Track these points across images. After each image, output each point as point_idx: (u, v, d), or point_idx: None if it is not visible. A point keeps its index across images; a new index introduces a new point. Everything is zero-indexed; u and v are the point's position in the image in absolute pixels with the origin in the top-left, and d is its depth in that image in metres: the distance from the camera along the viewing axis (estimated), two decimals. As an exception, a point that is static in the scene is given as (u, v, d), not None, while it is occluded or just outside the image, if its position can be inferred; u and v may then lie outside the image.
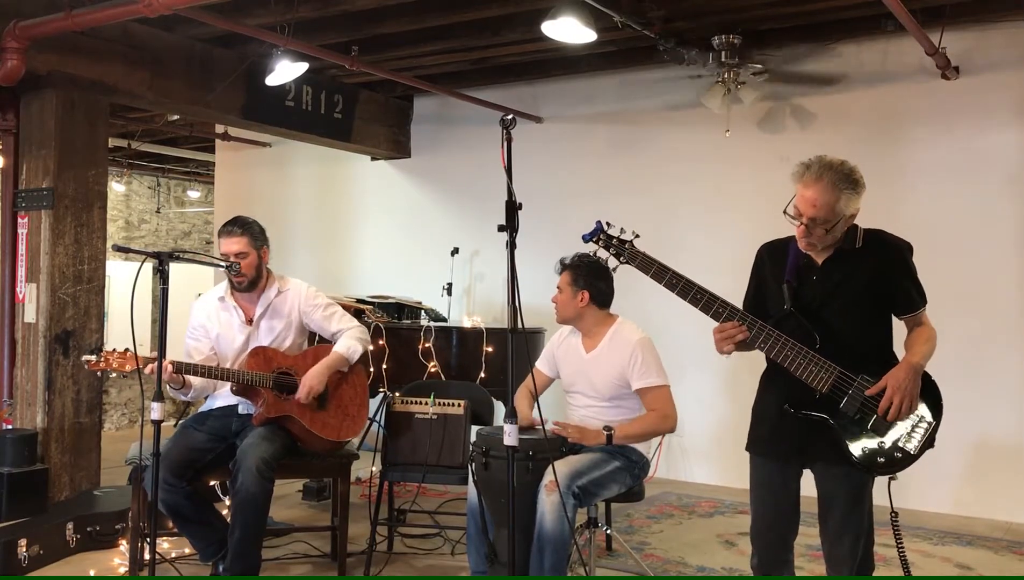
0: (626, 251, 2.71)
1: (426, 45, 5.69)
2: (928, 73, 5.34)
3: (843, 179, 2.55)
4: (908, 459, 2.54)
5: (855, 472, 2.57)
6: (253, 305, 3.84)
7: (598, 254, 2.77)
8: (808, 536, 2.75)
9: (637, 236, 2.75)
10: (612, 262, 2.75)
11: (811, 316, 2.63)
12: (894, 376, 2.53)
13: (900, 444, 2.53)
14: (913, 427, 2.54)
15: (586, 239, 2.75)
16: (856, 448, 2.55)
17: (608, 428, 3.53)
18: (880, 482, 2.64)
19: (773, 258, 2.79)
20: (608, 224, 2.75)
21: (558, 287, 3.76)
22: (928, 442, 2.55)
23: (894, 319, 2.70)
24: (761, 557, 2.78)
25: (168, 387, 3.56)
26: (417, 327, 5.30)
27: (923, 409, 2.55)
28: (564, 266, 3.77)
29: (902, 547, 2.69)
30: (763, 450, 2.76)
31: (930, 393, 2.58)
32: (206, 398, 3.86)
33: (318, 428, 3.73)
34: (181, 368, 3.47)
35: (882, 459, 2.54)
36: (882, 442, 2.54)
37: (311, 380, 3.70)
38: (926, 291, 2.70)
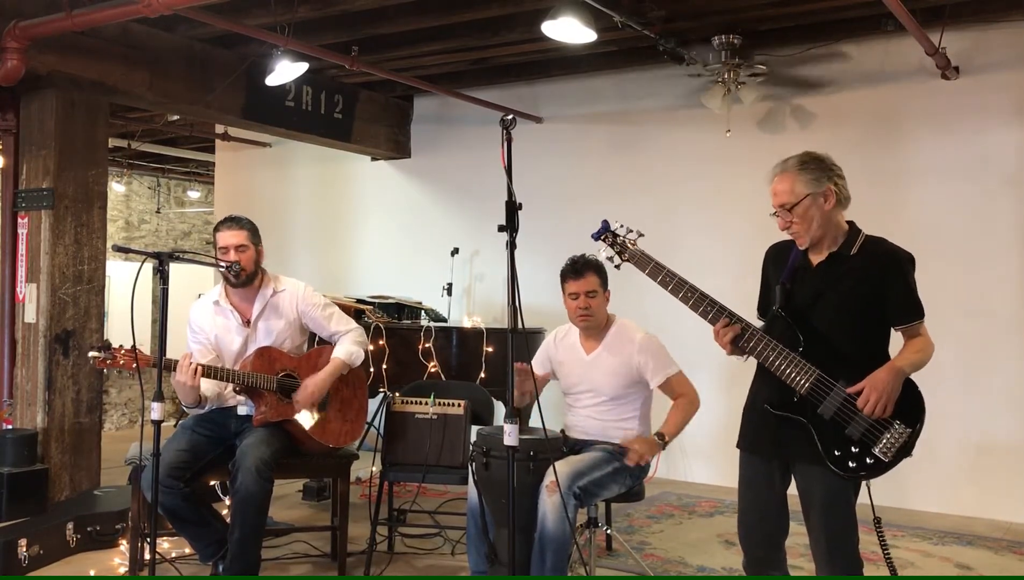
0: (627, 249, 2.80)
1: (426, 45, 5.69)
2: (928, 73, 5.34)
3: (797, 162, 2.65)
4: (880, 466, 2.54)
5: (832, 472, 2.57)
6: (249, 306, 3.82)
7: (602, 252, 2.86)
8: (806, 536, 2.75)
9: (641, 235, 2.84)
10: (616, 260, 2.84)
11: (800, 318, 2.65)
12: (875, 376, 2.53)
13: (873, 451, 2.53)
14: (888, 435, 2.53)
15: (595, 237, 2.86)
16: (829, 451, 2.56)
17: (660, 436, 3.53)
18: (888, 486, 2.64)
19: (777, 260, 2.83)
20: (618, 224, 2.86)
21: (589, 291, 3.61)
22: (904, 451, 2.54)
23: (893, 334, 2.68)
24: (749, 556, 2.78)
25: (184, 407, 3.57)
26: (417, 327, 5.30)
27: (900, 418, 2.54)
28: (590, 268, 3.62)
29: (888, 553, 2.68)
30: (747, 446, 2.79)
31: (910, 402, 2.56)
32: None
33: (318, 433, 3.72)
34: (203, 371, 3.47)
35: (854, 464, 2.54)
36: (856, 448, 2.54)
37: (313, 387, 3.69)
38: (926, 292, 2.68)
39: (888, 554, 2.69)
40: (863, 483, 2.63)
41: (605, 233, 2.84)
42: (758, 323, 2.75)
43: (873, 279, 2.61)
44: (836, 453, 2.55)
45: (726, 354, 2.74)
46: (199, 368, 3.43)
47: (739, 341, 2.65)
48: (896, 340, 2.69)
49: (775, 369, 2.61)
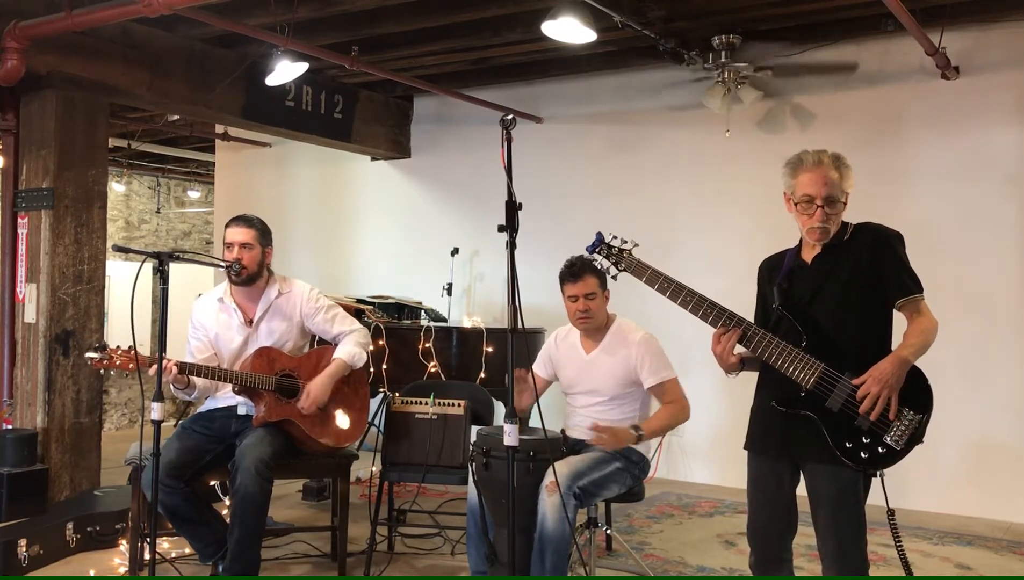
0: (624, 259, 2.82)
1: (426, 45, 5.69)
2: (928, 73, 5.34)
3: (837, 159, 2.69)
4: (893, 455, 2.53)
5: (843, 471, 2.57)
6: (253, 305, 3.82)
7: (599, 263, 2.88)
8: (808, 536, 2.75)
9: (636, 244, 2.86)
10: (613, 271, 2.85)
11: (800, 314, 2.66)
12: (878, 368, 2.52)
13: (884, 440, 2.53)
14: (897, 423, 2.52)
15: (590, 250, 2.88)
16: (840, 444, 2.55)
17: (637, 428, 3.51)
18: (875, 481, 2.64)
19: (772, 269, 2.84)
20: (612, 235, 2.87)
21: (588, 294, 3.58)
22: (915, 438, 2.54)
23: (895, 316, 2.68)
24: (758, 555, 2.78)
25: (172, 388, 3.55)
26: (417, 327, 5.30)
27: (909, 404, 2.53)
28: (588, 269, 3.58)
29: (901, 545, 2.68)
30: (756, 447, 2.78)
31: (916, 388, 2.56)
32: (207, 398, 3.86)
33: (317, 433, 3.72)
34: (185, 368, 3.46)
35: (865, 455, 2.54)
36: (866, 438, 2.54)
37: (316, 392, 3.68)
38: (926, 291, 2.68)
39: (901, 548, 2.68)
40: (876, 476, 2.62)
41: (600, 245, 2.86)
42: None
43: (866, 260, 2.63)
44: (847, 445, 2.55)
45: (723, 370, 2.74)
46: (172, 366, 3.38)
47: (743, 340, 2.64)
48: (899, 329, 2.67)
49: (780, 366, 2.61)
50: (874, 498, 2.64)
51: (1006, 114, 5.25)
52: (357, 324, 3.98)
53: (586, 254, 2.94)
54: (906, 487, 5.08)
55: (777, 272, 2.78)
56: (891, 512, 2.62)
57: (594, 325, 3.67)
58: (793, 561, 2.81)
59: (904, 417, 2.53)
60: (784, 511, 2.73)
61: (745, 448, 2.82)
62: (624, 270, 2.82)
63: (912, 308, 2.63)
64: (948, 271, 5.14)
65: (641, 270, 2.78)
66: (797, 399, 2.61)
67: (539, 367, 3.90)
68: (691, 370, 5.89)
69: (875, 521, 2.67)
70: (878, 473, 2.60)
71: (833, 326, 2.62)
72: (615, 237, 2.86)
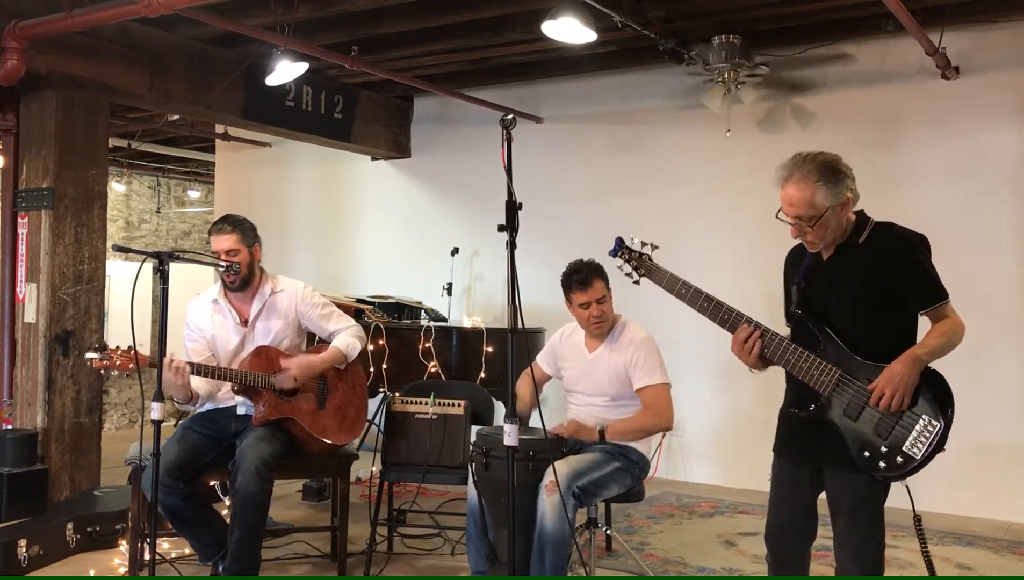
0: (643, 264, 2.79)
1: (426, 45, 5.69)
2: (928, 73, 5.34)
3: (816, 171, 2.51)
4: (911, 463, 2.48)
5: (861, 477, 2.53)
6: (248, 305, 3.82)
7: (621, 269, 2.83)
8: (820, 536, 2.74)
9: (656, 247, 2.81)
10: (634, 276, 2.81)
11: (818, 317, 2.62)
12: (890, 368, 2.49)
13: (903, 448, 2.48)
14: (917, 431, 2.48)
15: (612, 255, 2.84)
16: (858, 451, 2.51)
17: (602, 433, 3.52)
18: (898, 487, 2.60)
19: (794, 263, 2.79)
20: (631, 238, 2.84)
21: (599, 298, 3.59)
22: (937, 447, 2.49)
23: (921, 319, 2.63)
24: (775, 554, 2.77)
25: (175, 402, 3.55)
26: (417, 327, 5.30)
27: (928, 412, 2.49)
28: (595, 274, 3.59)
29: (927, 551, 2.65)
30: (780, 450, 2.76)
31: (939, 397, 2.51)
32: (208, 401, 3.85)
33: (318, 431, 3.72)
34: (195, 368, 3.46)
35: (883, 463, 2.49)
36: (884, 445, 2.49)
37: (299, 369, 3.67)
38: None
39: (927, 553, 2.65)
40: (903, 483, 2.57)
41: (621, 250, 2.82)
42: (784, 332, 2.69)
43: (884, 266, 2.55)
44: (865, 454, 2.50)
45: (749, 369, 2.70)
46: (186, 366, 3.41)
47: (763, 351, 2.61)
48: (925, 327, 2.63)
49: (797, 372, 2.58)
50: (892, 501, 2.61)
51: (1006, 114, 5.25)
52: (352, 321, 3.99)
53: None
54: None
55: (797, 264, 2.74)
56: (918, 519, 2.59)
57: (605, 329, 3.68)
58: (810, 564, 2.79)
59: (923, 424, 2.48)
60: (803, 515, 2.70)
61: (772, 450, 2.79)
62: (644, 276, 2.78)
63: (937, 314, 2.59)
64: (947, 271, 5.04)
65: (660, 275, 2.75)
66: (816, 406, 2.58)
67: (542, 360, 3.92)
68: (691, 370, 5.90)
69: (898, 525, 2.63)
70: (903, 481, 2.56)
71: (849, 330, 2.57)
72: (634, 240, 2.81)
